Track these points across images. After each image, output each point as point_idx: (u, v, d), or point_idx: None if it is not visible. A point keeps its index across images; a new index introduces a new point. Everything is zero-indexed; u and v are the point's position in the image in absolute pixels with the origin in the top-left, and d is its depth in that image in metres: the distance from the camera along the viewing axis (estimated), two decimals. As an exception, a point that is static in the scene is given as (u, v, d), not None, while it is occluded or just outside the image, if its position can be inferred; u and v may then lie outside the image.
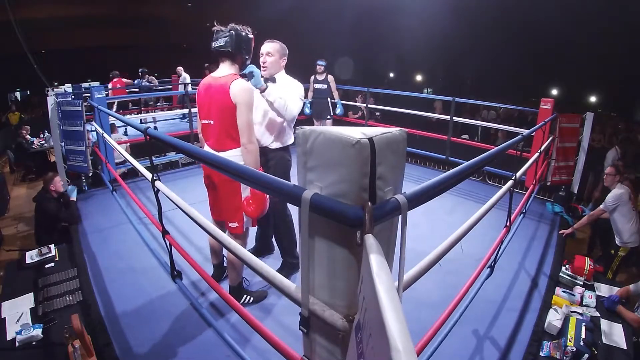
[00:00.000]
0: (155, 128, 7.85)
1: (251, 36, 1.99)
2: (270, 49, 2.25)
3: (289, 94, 2.21)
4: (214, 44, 1.94)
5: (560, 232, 3.40)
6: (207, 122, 2.02)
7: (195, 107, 2.36)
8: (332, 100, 5.20)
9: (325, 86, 5.14)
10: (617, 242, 3.32)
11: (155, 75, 9.08)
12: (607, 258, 3.53)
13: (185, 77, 8.49)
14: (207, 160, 1.31)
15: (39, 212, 3.42)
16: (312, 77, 5.18)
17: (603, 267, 3.40)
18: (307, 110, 5.09)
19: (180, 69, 8.58)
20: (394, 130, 0.93)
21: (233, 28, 1.92)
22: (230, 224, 2.11)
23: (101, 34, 13.82)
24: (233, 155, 1.98)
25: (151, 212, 2.72)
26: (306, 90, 5.08)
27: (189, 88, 7.69)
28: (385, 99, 7.34)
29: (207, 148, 2.06)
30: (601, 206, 3.26)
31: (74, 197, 3.59)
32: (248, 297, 2.32)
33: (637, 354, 2.11)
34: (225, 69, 1.99)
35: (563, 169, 4.27)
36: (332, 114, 5.16)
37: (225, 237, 1.43)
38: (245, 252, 1.26)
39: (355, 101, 6.54)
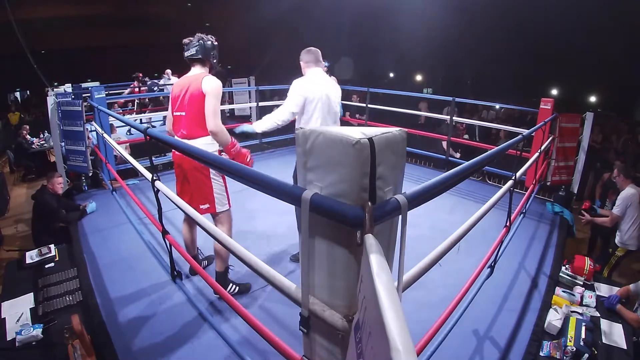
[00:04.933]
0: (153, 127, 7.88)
1: (216, 43, 2.26)
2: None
3: (281, 106, 2.47)
4: (187, 54, 2.21)
5: (582, 220, 3.53)
6: (179, 113, 2.21)
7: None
8: None
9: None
10: (616, 240, 3.33)
11: (155, 75, 9.02)
12: (605, 256, 3.55)
13: (172, 80, 8.22)
14: (207, 160, 1.31)
15: (37, 207, 3.42)
16: None
17: (600, 265, 3.41)
18: None
19: (168, 71, 8.36)
20: (394, 130, 0.93)
21: (201, 38, 2.20)
22: (201, 206, 2.21)
23: (101, 34, 13.78)
24: (203, 143, 2.14)
25: (151, 212, 2.72)
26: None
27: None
28: (385, 98, 7.34)
29: (176, 139, 2.17)
30: (615, 211, 3.25)
31: (88, 211, 3.56)
32: (234, 286, 2.39)
33: (637, 353, 2.10)
34: (197, 70, 2.23)
35: (563, 169, 4.27)
36: None
37: (219, 232, 1.43)
38: (245, 252, 1.27)
39: (352, 101, 6.50)
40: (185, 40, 2.22)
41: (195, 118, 2.14)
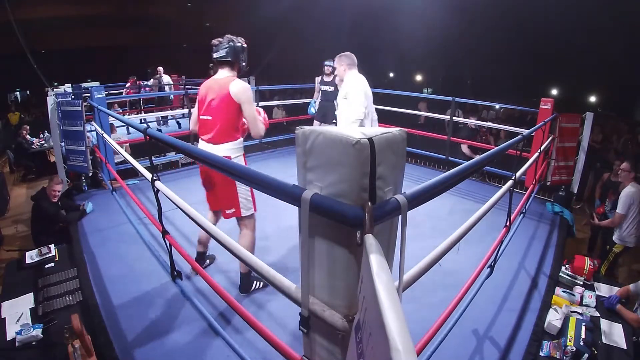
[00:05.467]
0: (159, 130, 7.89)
1: (245, 46, 2.21)
2: (335, 63, 3.02)
3: (351, 105, 2.83)
4: (215, 55, 2.15)
5: (592, 222, 3.67)
6: (205, 117, 2.18)
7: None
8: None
9: (332, 88, 4.69)
10: (614, 237, 3.36)
11: (148, 71, 8.92)
12: (603, 254, 3.60)
13: (163, 78, 8.18)
14: (207, 160, 1.31)
15: (35, 210, 3.42)
16: (319, 78, 4.88)
17: (599, 263, 3.44)
18: (313, 110, 4.83)
19: (160, 69, 8.26)
20: (394, 130, 0.93)
21: (231, 40, 2.14)
22: (227, 211, 2.25)
23: (101, 34, 13.79)
24: (228, 149, 2.16)
25: (151, 212, 2.72)
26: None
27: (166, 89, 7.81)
28: (385, 98, 7.33)
29: (201, 142, 2.23)
30: (620, 211, 3.28)
31: (87, 210, 3.57)
32: (258, 282, 2.43)
33: (637, 353, 2.10)
34: (224, 73, 2.19)
35: (563, 169, 4.27)
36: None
37: (224, 235, 1.43)
38: (245, 252, 1.27)
39: None
40: (215, 42, 2.16)
41: (221, 124, 2.12)
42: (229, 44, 2.13)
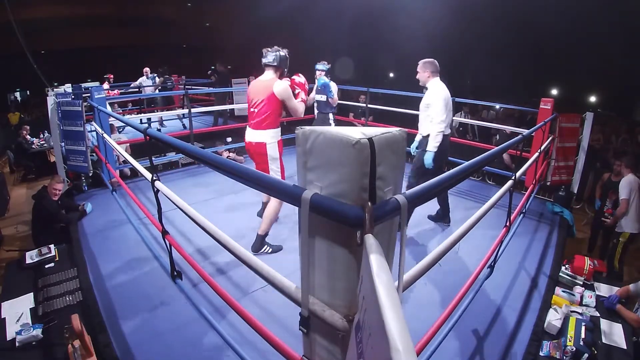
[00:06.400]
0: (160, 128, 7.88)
1: (288, 56, 2.75)
2: (418, 68, 3.07)
3: (433, 119, 2.96)
4: (265, 60, 2.71)
5: (605, 225, 3.73)
6: (252, 110, 2.74)
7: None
8: (333, 112, 4.24)
9: (325, 97, 4.07)
10: (617, 229, 3.51)
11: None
12: (603, 253, 3.73)
13: (143, 81, 8.02)
14: (207, 160, 1.31)
15: (36, 209, 3.42)
16: (314, 87, 4.14)
17: (607, 259, 3.58)
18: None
19: (146, 70, 8.15)
20: (393, 130, 0.93)
21: (278, 50, 2.71)
22: None
23: (101, 34, 13.80)
24: (266, 135, 2.71)
25: (151, 212, 2.72)
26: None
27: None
28: (384, 98, 7.34)
29: (248, 128, 2.78)
30: (623, 196, 3.46)
31: (87, 211, 3.57)
32: (268, 247, 2.84)
33: (637, 353, 2.10)
34: (270, 75, 2.71)
35: (563, 169, 4.27)
36: None
37: (219, 232, 1.43)
38: (245, 252, 1.27)
39: (358, 101, 6.49)
40: (265, 50, 2.72)
41: (263, 115, 2.68)
42: (276, 52, 2.68)
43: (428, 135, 3.02)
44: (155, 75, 8.46)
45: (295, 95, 2.79)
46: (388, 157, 0.87)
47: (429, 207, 3.47)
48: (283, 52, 2.72)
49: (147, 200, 3.74)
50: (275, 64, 2.69)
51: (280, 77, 2.74)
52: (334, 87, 4.09)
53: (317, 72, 4.08)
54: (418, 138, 3.21)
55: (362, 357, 0.55)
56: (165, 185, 1.93)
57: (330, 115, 4.28)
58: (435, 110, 2.94)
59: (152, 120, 8.19)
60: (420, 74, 3.05)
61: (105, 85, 7.94)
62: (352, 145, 0.82)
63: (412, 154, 3.25)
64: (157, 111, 8.55)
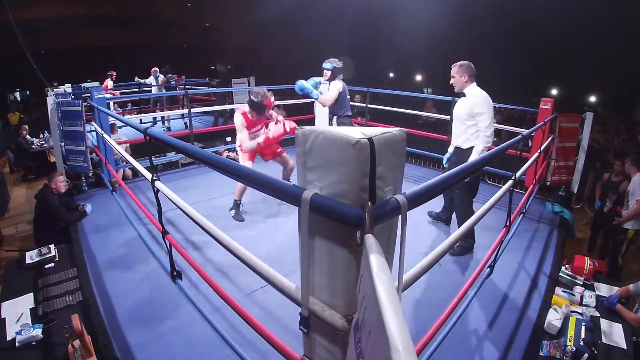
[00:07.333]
0: (169, 128, 7.83)
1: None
2: (453, 72, 2.81)
3: (483, 127, 2.70)
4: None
5: (614, 223, 3.71)
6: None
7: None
8: (339, 114, 3.95)
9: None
10: (628, 224, 3.56)
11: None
12: (603, 253, 3.79)
13: (152, 80, 8.07)
14: (207, 160, 1.31)
15: (39, 206, 3.41)
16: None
17: (609, 257, 3.65)
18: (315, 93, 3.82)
19: (155, 69, 8.20)
20: (393, 130, 0.93)
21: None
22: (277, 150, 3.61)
23: (101, 34, 13.81)
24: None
25: (151, 212, 2.72)
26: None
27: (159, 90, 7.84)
28: (384, 98, 7.34)
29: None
30: (638, 197, 3.47)
31: (87, 211, 3.57)
32: (233, 211, 3.35)
33: (637, 353, 2.10)
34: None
35: (563, 169, 4.27)
36: None
37: (224, 235, 1.43)
38: (245, 251, 1.27)
39: (353, 101, 6.47)
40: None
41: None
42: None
43: (469, 148, 2.75)
44: (159, 74, 8.47)
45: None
46: (388, 157, 0.87)
47: (429, 207, 3.47)
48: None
49: (147, 200, 3.74)
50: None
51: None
52: (334, 86, 3.85)
53: (324, 72, 3.87)
54: (452, 149, 2.97)
55: (361, 356, 0.55)
56: (165, 185, 1.93)
57: (344, 119, 3.94)
58: (485, 121, 2.65)
59: (156, 119, 8.20)
60: (456, 79, 2.76)
61: (110, 84, 7.98)
62: (352, 145, 0.82)
63: (444, 166, 3.03)
64: (158, 111, 8.54)
